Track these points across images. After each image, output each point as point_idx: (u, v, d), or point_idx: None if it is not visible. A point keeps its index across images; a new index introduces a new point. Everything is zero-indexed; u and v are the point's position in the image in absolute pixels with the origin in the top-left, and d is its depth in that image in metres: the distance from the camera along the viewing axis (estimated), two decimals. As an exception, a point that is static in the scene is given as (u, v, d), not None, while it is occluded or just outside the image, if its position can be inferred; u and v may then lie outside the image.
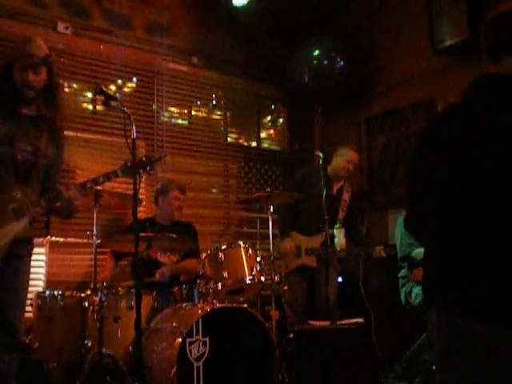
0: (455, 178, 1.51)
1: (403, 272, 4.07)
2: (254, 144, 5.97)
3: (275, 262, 3.93)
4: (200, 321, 3.14)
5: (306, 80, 5.50)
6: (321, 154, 4.25)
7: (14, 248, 2.60)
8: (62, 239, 4.26)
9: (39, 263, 3.94)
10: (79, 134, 4.64)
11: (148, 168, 2.88)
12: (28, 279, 2.74)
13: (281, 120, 6.24)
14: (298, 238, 4.42)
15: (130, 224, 4.06)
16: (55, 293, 3.36)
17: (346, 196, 4.55)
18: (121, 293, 3.50)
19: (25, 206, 2.60)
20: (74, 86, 4.75)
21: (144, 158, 2.90)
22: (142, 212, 4.72)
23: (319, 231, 4.28)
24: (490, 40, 1.62)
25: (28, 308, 3.53)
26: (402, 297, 4.06)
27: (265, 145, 6.08)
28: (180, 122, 5.44)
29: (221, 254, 3.66)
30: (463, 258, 1.50)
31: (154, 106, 5.15)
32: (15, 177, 2.61)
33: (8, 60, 2.71)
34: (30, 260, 2.75)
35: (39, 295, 3.40)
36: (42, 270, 3.96)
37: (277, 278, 3.79)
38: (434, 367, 1.54)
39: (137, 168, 2.71)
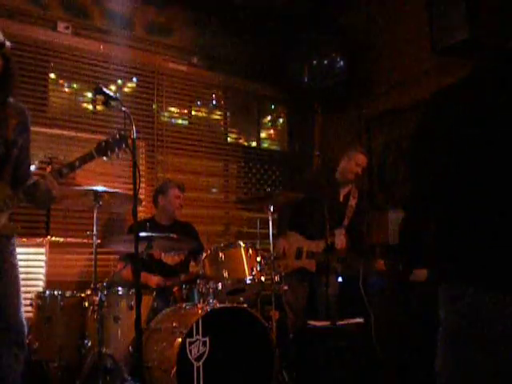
0: (464, 154, 1.46)
1: None
2: (253, 144, 5.97)
3: (275, 262, 3.93)
4: (200, 321, 3.14)
5: (306, 80, 5.50)
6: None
7: None
8: (61, 239, 4.26)
9: (39, 263, 3.94)
10: (79, 134, 4.65)
11: (123, 145, 2.78)
12: (14, 280, 2.62)
13: (281, 120, 6.24)
14: (301, 239, 4.41)
15: (131, 225, 4.06)
16: (55, 293, 3.36)
17: (353, 202, 4.45)
18: (121, 293, 3.50)
19: (1, 202, 2.50)
20: (74, 86, 4.76)
21: (117, 136, 2.80)
22: (142, 212, 4.72)
23: (322, 236, 4.25)
24: None
25: (28, 308, 3.54)
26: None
27: (265, 145, 6.09)
28: (180, 121, 5.44)
29: (221, 254, 3.66)
30: (473, 230, 1.44)
31: (154, 106, 5.15)
32: None
33: None
34: (14, 259, 2.64)
35: (39, 295, 3.40)
36: (42, 270, 3.95)
37: (277, 278, 3.79)
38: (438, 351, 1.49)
39: (112, 146, 2.68)
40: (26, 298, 3.53)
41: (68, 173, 2.68)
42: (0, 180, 2.55)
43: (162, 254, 4.18)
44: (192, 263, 4.26)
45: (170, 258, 4.23)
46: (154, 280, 4.01)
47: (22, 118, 2.64)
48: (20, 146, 2.61)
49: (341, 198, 4.50)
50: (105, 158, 2.79)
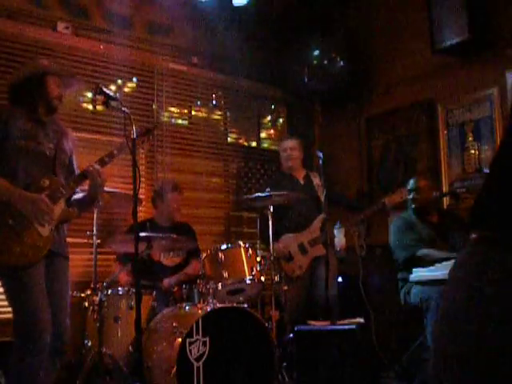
0: None
1: (401, 274, 4.07)
2: (254, 144, 5.97)
3: (275, 263, 3.94)
4: (200, 321, 3.14)
5: (306, 80, 5.50)
6: (321, 154, 4.25)
7: (57, 248, 2.81)
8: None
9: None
10: (79, 134, 4.64)
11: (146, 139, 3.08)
12: (68, 279, 2.94)
13: (281, 120, 6.24)
14: (295, 236, 4.42)
15: (131, 225, 4.06)
16: (55, 293, 3.35)
17: (317, 180, 4.59)
18: (121, 293, 3.50)
19: (57, 190, 2.79)
20: (74, 86, 4.75)
21: (139, 130, 2.97)
22: (142, 212, 4.72)
23: (308, 222, 4.42)
24: None
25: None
26: (401, 297, 4.06)
27: (265, 145, 6.08)
28: (180, 121, 5.44)
29: (221, 254, 3.66)
30: None
31: (154, 106, 5.15)
32: (44, 170, 2.82)
33: (42, 71, 2.89)
34: (68, 250, 2.98)
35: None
36: (42, 270, 3.95)
37: (277, 278, 3.80)
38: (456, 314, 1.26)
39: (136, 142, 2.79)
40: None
41: (109, 161, 2.98)
42: (53, 175, 2.87)
43: (161, 256, 4.18)
44: (194, 261, 4.25)
45: (169, 260, 4.23)
46: (166, 281, 4.02)
47: (65, 130, 3.11)
48: (68, 154, 3.01)
49: (302, 182, 4.67)
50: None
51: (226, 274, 3.61)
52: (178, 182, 4.64)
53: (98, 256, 3.58)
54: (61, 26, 4.60)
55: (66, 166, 2.98)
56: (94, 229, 3.50)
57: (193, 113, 5.49)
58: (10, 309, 2.67)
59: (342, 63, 5.50)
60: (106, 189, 3.40)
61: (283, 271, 4.28)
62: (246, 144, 5.90)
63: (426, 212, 4.20)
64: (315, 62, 5.50)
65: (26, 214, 2.66)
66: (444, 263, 3.42)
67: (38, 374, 2.56)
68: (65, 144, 2.99)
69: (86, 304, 3.40)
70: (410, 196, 4.22)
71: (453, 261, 2.97)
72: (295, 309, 4.29)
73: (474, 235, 1.25)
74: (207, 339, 3.13)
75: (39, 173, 2.80)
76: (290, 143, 4.75)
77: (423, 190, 4.21)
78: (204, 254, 3.74)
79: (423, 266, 3.70)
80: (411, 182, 4.29)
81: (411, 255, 3.95)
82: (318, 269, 4.33)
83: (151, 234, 3.54)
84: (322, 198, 4.26)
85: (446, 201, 4.83)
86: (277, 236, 4.32)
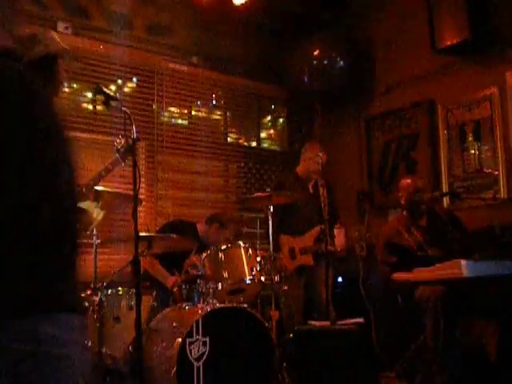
0: None
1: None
2: (254, 144, 5.97)
3: (276, 263, 3.93)
4: (200, 321, 3.13)
5: (306, 80, 5.50)
6: (321, 154, 4.25)
7: None
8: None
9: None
10: (79, 134, 4.64)
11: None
12: None
13: (281, 120, 6.24)
14: (290, 240, 4.43)
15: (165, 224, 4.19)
16: (55, 293, 3.35)
17: (323, 191, 4.52)
18: (121, 293, 3.50)
19: (81, 191, 2.80)
20: (74, 85, 4.75)
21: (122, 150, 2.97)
22: (143, 212, 4.72)
23: (307, 229, 4.38)
24: None
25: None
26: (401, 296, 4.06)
27: (265, 145, 6.08)
28: (180, 121, 5.44)
29: (221, 254, 3.66)
30: None
31: (154, 106, 5.15)
32: None
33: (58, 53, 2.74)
34: None
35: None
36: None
37: (277, 278, 3.79)
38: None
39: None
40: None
41: (105, 175, 3.05)
42: None
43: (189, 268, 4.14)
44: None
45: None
46: (170, 281, 3.96)
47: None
48: None
49: (311, 190, 4.59)
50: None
51: (226, 274, 3.60)
52: (228, 218, 4.51)
53: (98, 256, 3.58)
54: (61, 26, 4.60)
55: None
56: (94, 229, 3.49)
57: (193, 113, 5.49)
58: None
59: (342, 63, 5.50)
60: (106, 189, 3.40)
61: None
62: (246, 144, 5.90)
63: (414, 215, 4.03)
64: (315, 62, 5.50)
65: None
66: (444, 263, 3.41)
67: None
68: None
69: (86, 304, 3.39)
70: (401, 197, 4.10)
71: (453, 260, 2.98)
72: (292, 309, 4.30)
73: None
74: (207, 339, 3.13)
75: None
76: (323, 156, 4.45)
77: (404, 190, 4.05)
78: (204, 254, 3.74)
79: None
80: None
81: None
82: (318, 270, 4.33)
83: (150, 235, 3.54)
84: (324, 209, 4.24)
85: (445, 201, 4.83)
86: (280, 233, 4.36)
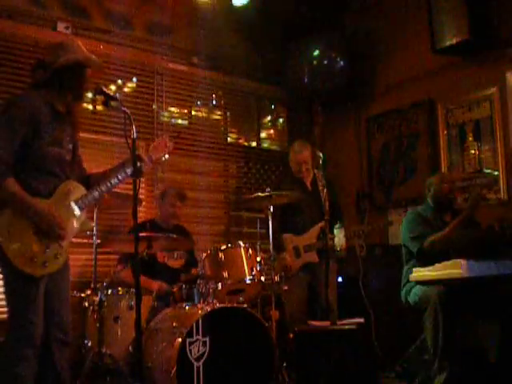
0: None
1: (406, 271, 4.04)
2: (254, 144, 5.96)
3: (276, 263, 3.94)
4: (200, 321, 3.14)
5: (306, 80, 5.50)
6: (321, 154, 4.24)
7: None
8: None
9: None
10: (79, 134, 4.63)
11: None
12: (69, 278, 2.89)
13: (281, 120, 6.23)
14: (293, 238, 4.43)
15: (132, 225, 4.05)
16: (55, 293, 3.35)
17: (321, 186, 4.50)
18: (121, 293, 3.50)
19: (80, 200, 2.75)
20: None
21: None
22: (142, 212, 4.72)
23: (310, 227, 4.35)
24: None
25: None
26: (403, 296, 4.05)
27: (265, 145, 6.08)
28: (180, 121, 5.43)
29: (221, 254, 3.66)
30: None
31: (154, 106, 5.15)
32: (64, 175, 2.75)
33: (75, 62, 2.74)
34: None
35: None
36: (42, 270, 3.94)
37: (277, 278, 3.79)
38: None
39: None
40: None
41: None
42: (71, 179, 2.79)
43: (166, 258, 4.18)
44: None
45: (174, 262, 4.23)
46: (155, 285, 3.98)
47: (77, 121, 2.94)
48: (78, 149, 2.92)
49: (309, 188, 4.53)
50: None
51: (226, 274, 3.60)
52: (184, 192, 4.60)
53: (98, 256, 3.58)
54: (61, 26, 4.61)
55: (79, 168, 2.93)
56: (94, 229, 3.49)
57: (193, 113, 5.49)
58: (2, 309, 2.63)
59: (342, 63, 5.50)
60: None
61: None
62: (246, 144, 5.90)
63: (441, 209, 4.02)
64: (315, 62, 5.50)
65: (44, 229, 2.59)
66: (444, 263, 3.41)
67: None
68: (77, 141, 2.91)
69: (86, 304, 3.40)
70: (429, 191, 4.07)
71: (453, 260, 2.95)
72: (295, 309, 4.29)
73: None
74: (207, 339, 3.13)
75: (60, 178, 2.72)
76: (305, 156, 4.50)
77: (437, 184, 4.03)
78: (204, 254, 3.74)
79: (437, 257, 3.59)
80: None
81: (421, 246, 3.81)
82: (318, 270, 4.33)
83: (152, 234, 3.54)
84: (323, 202, 4.23)
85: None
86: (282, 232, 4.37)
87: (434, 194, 4.04)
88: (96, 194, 2.81)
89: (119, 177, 2.87)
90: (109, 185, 2.84)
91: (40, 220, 2.56)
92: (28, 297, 2.55)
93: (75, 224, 2.73)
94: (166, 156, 3.11)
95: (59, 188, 2.69)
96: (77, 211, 2.73)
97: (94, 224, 3.49)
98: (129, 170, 2.85)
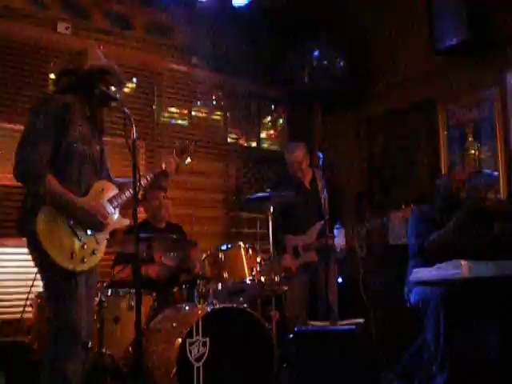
0: None
1: (408, 270, 4.02)
2: (253, 144, 5.97)
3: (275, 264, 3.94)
4: (200, 321, 3.13)
5: (306, 80, 5.50)
6: (321, 155, 4.24)
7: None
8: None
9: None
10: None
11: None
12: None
13: (281, 120, 6.23)
14: (292, 238, 4.43)
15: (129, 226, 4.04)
16: (55, 293, 3.35)
17: (320, 185, 4.48)
18: (121, 293, 3.49)
19: (116, 196, 2.83)
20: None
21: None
22: (142, 212, 4.70)
23: (309, 226, 4.37)
24: None
25: (28, 308, 3.53)
26: (405, 296, 4.04)
27: (265, 145, 6.08)
28: (180, 122, 5.43)
29: (221, 255, 3.66)
30: None
31: (154, 106, 5.15)
32: (94, 175, 2.80)
33: (100, 69, 2.80)
34: None
35: (39, 295, 3.40)
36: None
37: (277, 278, 3.79)
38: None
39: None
40: (26, 298, 3.55)
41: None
42: (102, 178, 2.87)
43: (163, 258, 4.17)
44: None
45: (171, 261, 4.21)
46: (153, 269, 3.96)
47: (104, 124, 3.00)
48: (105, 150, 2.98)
49: (308, 187, 4.56)
50: None
51: (226, 275, 3.60)
52: (164, 184, 4.47)
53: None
54: (61, 27, 4.61)
55: (106, 171, 2.98)
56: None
57: (193, 113, 5.49)
58: (10, 309, 2.64)
59: (341, 63, 5.50)
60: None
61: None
62: (245, 144, 5.90)
63: (449, 210, 3.88)
64: (315, 62, 5.50)
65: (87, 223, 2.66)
66: (444, 263, 3.41)
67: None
68: (104, 146, 2.99)
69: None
70: (438, 191, 4.02)
71: (454, 260, 2.95)
72: (295, 309, 4.29)
73: None
74: (207, 340, 3.13)
75: (91, 177, 2.77)
76: (298, 156, 4.55)
77: (447, 184, 3.97)
78: (204, 255, 3.74)
79: (439, 256, 3.56)
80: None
81: (422, 243, 3.75)
82: (318, 270, 4.33)
83: (149, 235, 3.53)
84: (323, 202, 4.22)
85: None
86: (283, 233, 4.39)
87: (443, 194, 3.99)
88: (128, 193, 2.87)
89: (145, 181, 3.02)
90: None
91: (83, 214, 2.63)
92: (71, 294, 2.58)
93: (110, 221, 2.79)
94: (189, 159, 3.27)
95: (94, 186, 2.76)
96: (110, 209, 2.79)
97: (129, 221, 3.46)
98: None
